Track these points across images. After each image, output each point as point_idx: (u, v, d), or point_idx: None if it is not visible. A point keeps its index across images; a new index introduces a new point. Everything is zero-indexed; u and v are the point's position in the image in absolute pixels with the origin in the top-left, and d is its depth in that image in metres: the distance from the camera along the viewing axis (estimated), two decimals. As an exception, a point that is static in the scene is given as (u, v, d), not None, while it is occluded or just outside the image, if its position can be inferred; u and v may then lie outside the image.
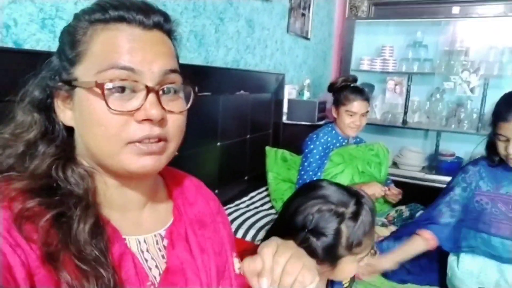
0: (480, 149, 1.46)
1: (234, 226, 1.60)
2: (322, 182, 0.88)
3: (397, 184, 2.80)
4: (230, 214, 1.69)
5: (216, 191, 1.71)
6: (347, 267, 0.82)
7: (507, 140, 1.28)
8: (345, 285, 1.01)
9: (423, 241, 1.38)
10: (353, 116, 1.79)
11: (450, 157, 2.83)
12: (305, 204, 0.83)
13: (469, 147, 2.93)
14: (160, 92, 0.51)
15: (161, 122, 0.50)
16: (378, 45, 3.11)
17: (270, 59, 2.29)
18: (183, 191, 0.66)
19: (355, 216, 0.80)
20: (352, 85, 1.84)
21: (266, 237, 0.87)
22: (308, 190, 0.87)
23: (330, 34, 3.28)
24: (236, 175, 1.94)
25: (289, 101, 2.36)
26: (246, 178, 2.04)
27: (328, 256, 0.80)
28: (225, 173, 1.79)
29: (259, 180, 2.02)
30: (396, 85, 3.05)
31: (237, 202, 1.86)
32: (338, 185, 0.86)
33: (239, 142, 1.92)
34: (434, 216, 1.42)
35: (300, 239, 0.79)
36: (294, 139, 2.08)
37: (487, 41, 2.72)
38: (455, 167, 2.81)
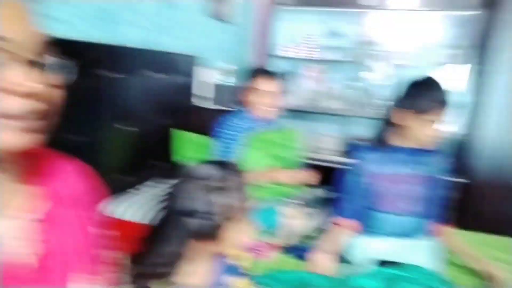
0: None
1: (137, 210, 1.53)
2: (193, 164, 0.88)
3: (316, 168, 2.93)
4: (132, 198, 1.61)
5: (120, 176, 1.61)
6: (231, 236, 0.84)
7: (434, 123, 1.37)
8: (243, 266, 1.00)
9: (346, 228, 1.45)
10: (261, 95, 1.79)
11: (364, 141, 2.99)
12: (178, 188, 0.84)
13: (380, 132, 3.14)
14: (33, 64, 0.47)
15: (32, 96, 0.46)
16: (299, 33, 3.16)
17: (187, 41, 2.20)
18: (57, 174, 0.63)
19: (224, 186, 0.82)
20: (265, 68, 1.84)
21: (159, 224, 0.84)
22: (179, 175, 0.88)
23: (252, 19, 3.25)
24: (146, 159, 1.85)
25: (206, 84, 2.30)
26: (155, 162, 1.95)
27: (208, 231, 0.81)
28: (135, 158, 1.70)
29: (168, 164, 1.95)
30: (313, 72, 3.14)
31: (144, 186, 1.78)
32: (203, 162, 0.88)
33: (151, 126, 1.83)
34: (344, 205, 1.49)
35: (179, 224, 0.81)
36: (209, 124, 2.03)
37: (398, 32, 2.89)
38: (368, 151, 2.98)
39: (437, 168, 1.51)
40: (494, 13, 2.51)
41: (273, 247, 1.56)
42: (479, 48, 2.58)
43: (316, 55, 3.06)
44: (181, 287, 0.84)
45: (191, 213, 0.80)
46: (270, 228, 1.68)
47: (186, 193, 0.82)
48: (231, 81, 2.39)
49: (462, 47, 2.69)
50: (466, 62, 2.63)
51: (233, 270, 0.96)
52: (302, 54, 3.07)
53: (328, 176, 2.03)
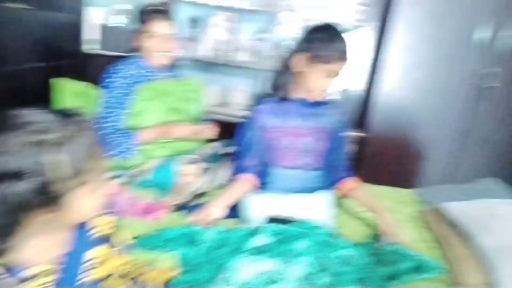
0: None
1: None
2: (23, 110, 0.68)
3: (225, 123, 2.84)
4: None
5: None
6: (81, 203, 0.70)
7: (328, 77, 1.32)
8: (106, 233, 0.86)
9: (244, 183, 1.37)
10: (155, 38, 1.61)
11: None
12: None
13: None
14: None
15: None
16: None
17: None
18: None
19: (62, 141, 0.65)
20: (157, 7, 1.63)
21: None
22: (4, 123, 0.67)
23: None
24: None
25: (97, 26, 2.00)
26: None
27: (47, 198, 0.65)
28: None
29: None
30: (222, 20, 2.95)
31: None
32: (42, 109, 0.69)
33: (21, 71, 1.53)
34: (246, 162, 1.41)
35: (4, 189, 0.62)
36: (100, 72, 1.78)
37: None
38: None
39: (334, 121, 1.50)
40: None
41: (165, 206, 1.45)
42: (380, 6, 2.63)
43: (224, 2, 2.86)
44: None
45: (15, 175, 0.62)
46: (165, 186, 1.57)
47: (8, 149, 0.63)
48: (123, 22, 2.12)
49: (366, 3, 2.72)
50: (369, 20, 2.67)
51: (96, 241, 0.83)
52: (212, 1, 2.85)
53: (233, 130, 1.96)
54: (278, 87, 1.41)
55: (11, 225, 0.65)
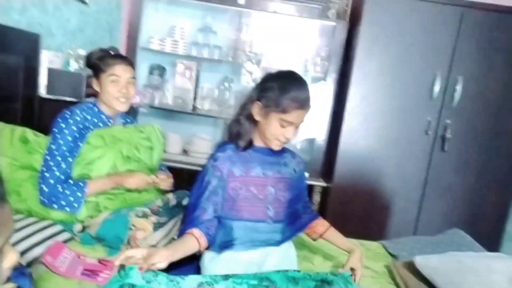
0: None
1: None
2: None
3: (187, 172, 2.74)
4: None
5: None
6: None
7: (289, 126, 1.26)
8: None
9: (195, 240, 1.20)
10: (117, 82, 1.54)
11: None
12: None
13: (251, 135, 3.11)
14: None
15: None
16: (169, 25, 2.94)
17: (20, 14, 1.79)
18: None
19: None
20: (112, 52, 1.58)
21: None
22: None
23: (118, 5, 2.91)
24: None
25: (50, 70, 1.90)
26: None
27: None
28: None
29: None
30: (186, 69, 2.95)
31: None
32: None
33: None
34: (198, 215, 1.25)
35: None
36: (54, 118, 1.66)
37: (268, 35, 2.89)
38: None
39: (294, 170, 1.44)
40: (350, 26, 2.69)
41: (114, 266, 1.30)
42: (339, 60, 2.73)
43: (189, 51, 2.88)
44: None
45: None
46: (115, 242, 1.42)
47: None
48: (76, 67, 2.03)
49: (325, 57, 2.82)
50: (329, 72, 2.75)
51: None
52: (175, 50, 2.85)
53: (194, 180, 1.86)
54: (237, 135, 1.34)
55: None
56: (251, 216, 1.31)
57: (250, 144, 1.34)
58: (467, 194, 2.62)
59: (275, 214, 1.34)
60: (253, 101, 1.30)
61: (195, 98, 2.98)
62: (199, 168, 2.67)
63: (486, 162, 2.59)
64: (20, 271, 0.72)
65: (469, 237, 1.80)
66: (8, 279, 0.69)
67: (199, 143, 2.92)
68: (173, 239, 1.46)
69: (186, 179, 1.90)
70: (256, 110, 1.29)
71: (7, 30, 1.62)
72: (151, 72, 2.97)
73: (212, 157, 1.32)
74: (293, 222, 1.43)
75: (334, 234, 1.46)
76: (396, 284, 1.46)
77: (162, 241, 1.41)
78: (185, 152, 2.95)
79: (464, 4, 2.44)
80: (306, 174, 2.62)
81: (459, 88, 2.48)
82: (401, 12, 2.46)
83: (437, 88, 2.50)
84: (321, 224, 1.46)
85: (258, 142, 1.35)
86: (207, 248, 1.28)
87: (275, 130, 1.27)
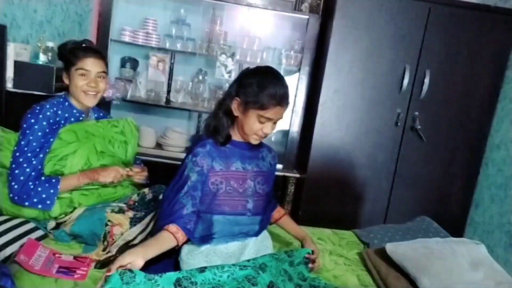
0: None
1: None
2: None
3: (162, 165, 2.72)
4: None
5: None
6: None
7: (268, 122, 1.28)
8: None
9: (171, 235, 1.20)
10: (86, 75, 1.51)
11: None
12: None
13: (226, 128, 3.12)
14: None
15: None
16: (141, 16, 2.88)
17: (-16, 4, 1.71)
18: None
19: None
20: (83, 45, 1.55)
21: None
22: None
23: (88, -5, 2.83)
24: None
25: (16, 63, 1.84)
26: None
27: None
28: None
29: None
30: (159, 61, 2.91)
31: None
32: None
33: None
34: (176, 210, 1.25)
35: None
36: (23, 113, 1.61)
37: (242, 28, 2.89)
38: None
39: (270, 163, 1.48)
40: (323, 20, 2.73)
41: (90, 262, 1.29)
42: (312, 53, 2.77)
43: (163, 44, 2.83)
44: None
45: None
46: (90, 238, 1.41)
47: None
48: (46, 60, 1.97)
49: (299, 50, 2.85)
50: (302, 64, 2.78)
51: None
52: (148, 42, 2.80)
53: (173, 174, 1.85)
54: (215, 131, 1.35)
55: None
56: (231, 209, 1.33)
57: (228, 139, 1.35)
58: (435, 183, 2.74)
59: (254, 206, 1.37)
60: (232, 97, 1.31)
61: (168, 91, 2.95)
62: (173, 162, 2.70)
63: (452, 153, 2.71)
64: (1, 271, 0.71)
65: (436, 224, 1.89)
66: None
67: (173, 137, 2.90)
68: (150, 234, 1.46)
69: (160, 173, 1.90)
70: (234, 106, 1.31)
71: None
72: (123, 65, 2.91)
73: (192, 153, 1.32)
74: (264, 215, 1.46)
75: (288, 221, 1.58)
76: (368, 271, 1.52)
77: (139, 236, 1.41)
78: (159, 145, 2.92)
79: (431, -1, 2.52)
80: (280, 166, 2.67)
81: (427, 81, 2.58)
82: (372, 6, 2.52)
83: (406, 81, 2.58)
84: (277, 211, 1.57)
85: (236, 137, 1.37)
86: (185, 242, 1.29)
87: (254, 126, 1.29)
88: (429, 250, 1.38)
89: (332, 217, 2.62)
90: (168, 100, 2.94)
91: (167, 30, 2.86)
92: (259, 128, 1.29)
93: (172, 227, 1.22)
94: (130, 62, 2.92)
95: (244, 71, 1.36)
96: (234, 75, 2.83)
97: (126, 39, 2.78)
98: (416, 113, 2.64)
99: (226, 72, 2.82)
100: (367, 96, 2.62)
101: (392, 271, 1.39)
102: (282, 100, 1.27)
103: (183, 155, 2.72)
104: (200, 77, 2.97)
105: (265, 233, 1.46)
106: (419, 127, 2.63)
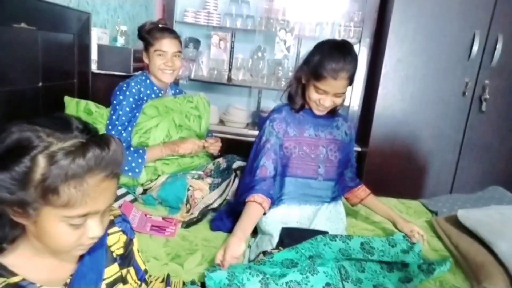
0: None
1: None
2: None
3: (224, 140, 2.84)
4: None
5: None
6: (49, 224, 0.62)
7: (324, 94, 1.33)
8: None
9: (259, 206, 1.28)
10: (163, 55, 1.63)
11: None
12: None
13: (286, 103, 3.17)
14: None
15: None
16: (203, -2, 2.98)
17: (69, -7, 1.88)
18: None
19: (66, 152, 0.59)
20: (160, 25, 1.66)
21: None
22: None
23: (152, -20, 2.97)
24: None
25: (99, 47, 2.02)
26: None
27: (17, 198, 0.60)
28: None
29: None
30: (220, 40, 3.01)
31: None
32: (79, 119, 0.66)
33: (25, 91, 1.52)
34: (260, 177, 1.34)
35: None
36: (106, 91, 1.79)
37: (300, 3, 2.89)
38: (274, 123, 2.98)
39: (345, 133, 1.52)
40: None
41: (176, 222, 1.43)
42: (372, 24, 2.71)
43: (223, 23, 2.92)
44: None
45: (10, 160, 0.59)
46: (174, 202, 1.55)
47: (18, 133, 0.60)
48: (122, 43, 2.14)
49: (359, 22, 2.80)
50: (362, 36, 2.74)
51: (113, 259, 0.81)
52: (209, 21, 2.90)
53: (235, 149, 1.96)
54: (290, 97, 1.43)
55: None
56: (303, 173, 1.41)
57: (303, 107, 1.43)
58: (505, 154, 2.61)
59: (325, 172, 1.43)
60: (301, 66, 1.37)
61: (230, 69, 3.05)
62: (236, 137, 2.81)
63: (525, 122, 2.56)
64: (122, 218, 0.84)
65: (509, 193, 1.84)
66: (113, 225, 0.82)
67: (235, 113, 3.01)
68: (226, 199, 1.58)
69: (224, 147, 2.00)
70: (302, 75, 1.37)
71: (61, 10, 1.73)
72: (186, 45, 3.04)
73: (269, 118, 1.42)
74: (339, 184, 1.52)
75: (374, 201, 1.54)
76: (438, 237, 1.53)
77: (218, 200, 1.54)
78: (221, 122, 3.05)
79: (505, -42, 2.35)
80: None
81: (499, 46, 2.43)
82: (438, -30, 2.40)
83: (475, 47, 2.46)
84: (362, 190, 1.54)
85: (307, 104, 1.44)
86: None
87: (312, 95, 1.36)
88: (505, 216, 1.37)
89: (395, 190, 2.60)
90: (229, 78, 3.04)
91: (227, 9, 2.94)
92: (317, 98, 1.35)
93: (258, 197, 1.29)
94: (193, 42, 3.04)
95: (319, 43, 1.41)
96: (293, 51, 2.86)
97: (189, 20, 2.90)
98: (486, 81, 2.51)
99: (285, 47, 2.85)
100: (432, 65, 2.53)
101: (464, 236, 1.40)
102: (336, 74, 1.28)
103: (244, 131, 2.89)
104: (260, 54, 3.03)
105: (339, 202, 1.51)
106: (488, 96, 2.51)
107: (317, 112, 1.41)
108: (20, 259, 0.67)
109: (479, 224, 1.37)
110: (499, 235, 1.27)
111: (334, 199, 1.48)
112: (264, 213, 1.32)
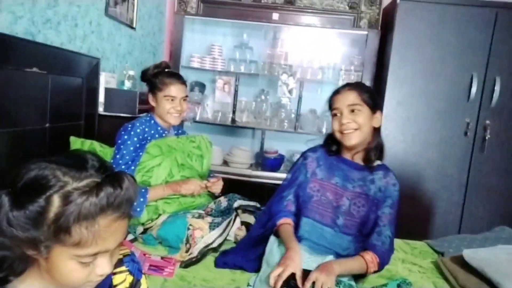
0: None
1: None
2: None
3: (227, 181, 2.85)
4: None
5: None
6: (59, 261, 0.63)
7: (340, 114, 1.36)
8: None
9: (291, 227, 1.37)
10: (173, 101, 1.69)
11: (274, 154, 3.01)
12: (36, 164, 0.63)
13: (289, 144, 3.20)
14: None
15: None
16: (208, 43, 3.12)
17: (82, 41, 1.99)
18: None
19: (81, 192, 0.60)
20: (166, 70, 1.73)
21: None
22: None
23: (161, 28, 3.13)
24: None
25: (107, 90, 2.09)
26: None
27: (30, 236, 0.61)
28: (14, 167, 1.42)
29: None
30: (225, 84, 3.11)
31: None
32: (96, 156, 0.68)
33: (33, 131, 1.57)
34: (285, 206, 1.41)
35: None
36: (112, 133, 1.83)
37: (302, 48, 3.01)
38: (278, 163, 3.00)
39: (380, 189, 1.39)
40: (383, 34, 2.75)
41: (176, 262, 1.41)
42: (372, 67, 2.80)
43: (227, 67, 3.04)
44: None
45: (25, 197, 0.61)
46: (174, 241, 1.54)
47: (37, 170, 0.62)
48: (129, 86, 2.22)
49: (359, 66, 2.89)
50: (363, 79, 2.82)
51: None
52: (214, 66, 3.02)
53: (239, 190, 1.96)
54: (330, 141, 1.45)
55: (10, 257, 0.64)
56: (320, 218, 1.38)
57: (338, 152, 1.44)
58: (511, 194, 2.58)
59: (343, 225, 1.36)
60: None
61: (234, 111, 3.12)
62: (239, 178, 2.82)
63: (530, 162, 2.55)
64: (130, 258, 0.84)
65: (517, 234, 1.79)
66: (121, 264, 0.81)
67: (239, 154, 3.04)
68: (226, 239, 1.57)
69: (227, 187, 2.01)
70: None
71: (73, 56, 1.82)
72: (192, 89, 3.14)
73: (303, 155, 1.48)
74: (356, 242, 1.37)
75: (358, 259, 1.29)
76: (445, 278, 1.48)
77: (218, 239, 1.52)
78: (225, 163, 3.08)
79: (498, 5, 2.46)
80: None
81: (497, 88, 2.48)
82: (434, 17, 2.51)
83: (474, 89, 2.51)
84: (369, 255, 1.28)
85: (347, 155, 1.43)
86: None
87: (334, 125, 1.39)
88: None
89: (401, 231, 2.55)
90: (233, 120, 3.10)
91: (231, 54, 3.06)
92: (337, 123, 1.39)
93: (289, 220, 1.38)
94: (198, 86, 3.14)
95: None
96: (295, 93, 2.94)
97: (195, 65, 3.02)
98: (487, 122, 2.54)
99: (288, 90, 2.93)
100: (432, 106, 2.57)
101: (472, 277, 1.35)
102: (338, 90, 1.42)
103: (248, 171, 2.90)
104: (263, 97, 3.11)
105: None
106: (490, 136, 2.52)
107: (348, 142, 1.34)
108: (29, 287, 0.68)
109: (486, 264, 1.33)
110: (506, 275, 1.23)
111: (347, 254, 1.33)
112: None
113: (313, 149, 1.47)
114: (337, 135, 1.38)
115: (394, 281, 1.29)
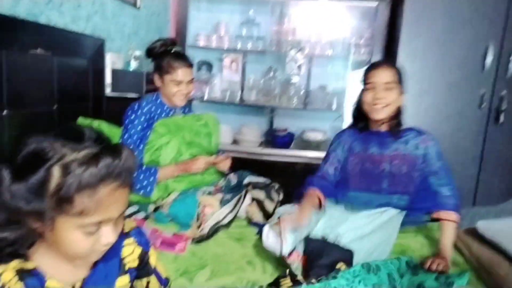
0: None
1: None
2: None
3: (237, 160, 2.85)
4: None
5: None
6: (64, 232, 0.64)
7: (374, 88, 1.43)
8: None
9: (314, 196, 1.43)
10: (179, 84, 1.68)
11: (283, 132, 2.99)
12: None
13: (299, 121, 3.17)
14: None
15: None
16: (214, 21, 3.07)
17: (86, 21, 1.97)
18: None
19: (80, 163, 0.61)
20: (173, 50, 1.71)
21: None
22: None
23: (166, 7, 3.08)
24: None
25: (114, 71, 2.08)
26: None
27: (33, 207, 0.62)
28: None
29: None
30: (232, 62, 3.06)
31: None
32: (92, 129, 0.69)
33: (41, 113, 1.57)
34: (319, 176, 1.54)
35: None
36: (120, 113, 1.83)
37: (310, 22, 2.93)
38: (288, 141, 2.98)
39: (417, 146, 1.51)
40: (393, 5, 2.66)
41: (187, 238, 1.42)
42: (383, 40, 2.72)
43: (234, 45, 2.99)
44: None
45: (25, 170, 0.62)
46: (185, 219, 1.55)
47: (35, 144, 0.64)
48: (136, 66, 2.20)
49: (369, 40, 2.81)
50: (373, 53, 2.74)
51: (125, 270, 0.80)
52: (221, 45, 2.97)
53: (249, 168, 1.96)
54: (355, 119, 1.57)
55: (15, 227, 0.65)
56: (367, 188, 1.49)
57: (367, 127, 1.54)
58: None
59: (389, 185, 1.48)
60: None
61: (242, 90, 3.09)
62: (250, 156, 2.81)
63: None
64: (138, 231, 0.84)
65: (533, 206, 1.76)
66: (129, 236, 0.82)
67: (248, 132, 3.02)
68: (236, 216, 1.57)
69: (237, 166, 2.00)
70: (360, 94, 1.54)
71: (77, 36, 1.81)
72: (199, 68, 3.12)
73: (337, 136, 1.60)
74: (424, 199, 1.44)
75: (445, 229, 1.36)
76: (459, 250, 1.47)
77: (229, 216, 1.52)
78: (235, 141, 3.07)
79: (514, -31, 2.35)
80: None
81: (513, 57, 2.40)
82: (446, -16, 2.41)
83: (489, 59, 2.42)
84: (447, 214, 1.38)
85: (374, 127, 1.53)
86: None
87: (366, 98, 1.47)
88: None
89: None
90: (241, 98, 3.07)
91: (238, 32, 3.00)
92: (370, 97, 1.46)
93: (315, 189, 1.46)
94: (206, 65, 3.11)
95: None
96: (304, 69, 2.88)
97: (201, 43, 2.98)
98: (503, 92, 2.46)
99: (296, 66, 2.88)
100: (445, 79, 2.50)
101: (486, 248, 1.34)
102: (375, 65, 1.53)
103: (258, 149, 2.88)
104: (271, 74, 3.07)
105: (395, 215, 1.41)
106: (505, 107, 2.45)
107: (376, 116, 1.46)
108: (39, 260, 0.70)
109: (500, 236, 1.31)
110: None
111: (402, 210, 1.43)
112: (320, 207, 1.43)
113: (342, 131, 1.61)
114: (367, 107, 1.47)
115: (403, 257, 1.27)
